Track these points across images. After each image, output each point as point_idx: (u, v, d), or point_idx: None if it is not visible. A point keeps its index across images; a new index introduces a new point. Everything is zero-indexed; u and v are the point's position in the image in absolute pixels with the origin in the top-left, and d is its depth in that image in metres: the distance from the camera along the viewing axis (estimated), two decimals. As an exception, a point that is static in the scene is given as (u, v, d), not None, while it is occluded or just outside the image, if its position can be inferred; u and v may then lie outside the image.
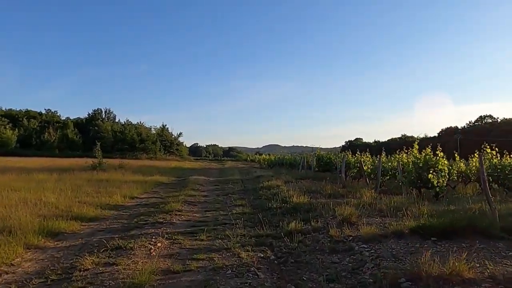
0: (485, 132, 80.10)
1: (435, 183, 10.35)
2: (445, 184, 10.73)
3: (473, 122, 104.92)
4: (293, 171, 25.82)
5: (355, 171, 16.71)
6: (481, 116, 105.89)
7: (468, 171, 13.37)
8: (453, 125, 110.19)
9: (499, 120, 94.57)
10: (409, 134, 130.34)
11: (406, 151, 14.17)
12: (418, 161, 10.84)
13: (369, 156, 15.57)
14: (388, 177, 14.40)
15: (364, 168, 14.58)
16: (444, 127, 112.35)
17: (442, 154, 10.72)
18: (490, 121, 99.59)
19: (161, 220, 8.09)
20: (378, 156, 14.38)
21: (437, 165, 10.54)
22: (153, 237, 6.50)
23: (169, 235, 6.70)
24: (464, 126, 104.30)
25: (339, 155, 21.72)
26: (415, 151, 11.14)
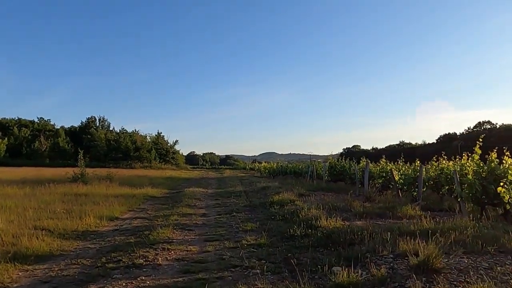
0: (484, 138, 77.99)
1: (506, 198, 7.85)
2: (517, 200, 8.22)
3: (472, 128, 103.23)
4: (300, 181, 23.28)
5: (380, 181, 14.19)
6: (479, 122, 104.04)
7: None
8: (451, 132, 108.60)
9: (498, 126, 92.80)
10: (407, 141, 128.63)
11: (445, 156, 11.75)
12: (481, 170, 8.37)
13: (401, 163, 13.09)
14: (424, 189, 11.88)
15: (396, 178, 12.08)
16: (442, 133, 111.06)
17: (511, 160, 8.26)
18: (489, 127, 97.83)
19: (141, 261, 5.52)
20: (417, 163, 11.88)
21: (506, 175, 8.06)
22: (121, 301, 3.94)
23: (148, 295, 4.14)
24: (463, 132, 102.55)
25: (355, 163, 19.21)
26: (476, 157, 8.65)
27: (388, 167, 13.96)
